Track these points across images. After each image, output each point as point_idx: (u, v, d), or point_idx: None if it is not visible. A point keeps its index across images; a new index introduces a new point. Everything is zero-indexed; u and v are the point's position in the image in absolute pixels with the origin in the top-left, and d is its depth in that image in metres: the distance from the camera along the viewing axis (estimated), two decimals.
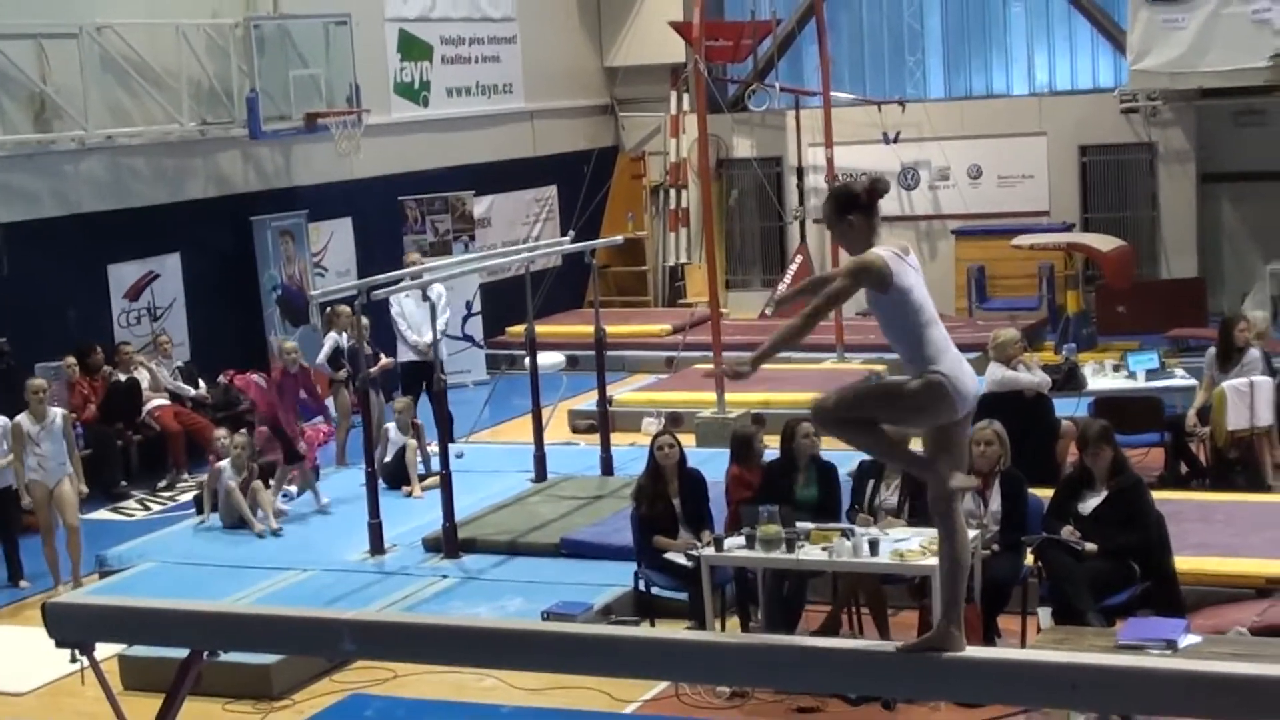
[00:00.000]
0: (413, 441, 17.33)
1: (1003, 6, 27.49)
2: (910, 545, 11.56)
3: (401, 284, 16.62)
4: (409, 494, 16.84)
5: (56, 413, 15.20)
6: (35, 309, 18.51)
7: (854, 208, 7.31)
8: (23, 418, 14.93)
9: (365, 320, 16.99)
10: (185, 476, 18.90)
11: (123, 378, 19.09)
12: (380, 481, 15.77)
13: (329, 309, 19.49)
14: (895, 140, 26.74)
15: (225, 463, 16.44)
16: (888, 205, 26.36)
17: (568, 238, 20.88)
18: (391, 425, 17.35)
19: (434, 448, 16.47)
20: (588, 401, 19.48)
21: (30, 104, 18.93)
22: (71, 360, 18.65)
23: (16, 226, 18.63)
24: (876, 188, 7.33)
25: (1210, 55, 23.74)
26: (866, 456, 12.95)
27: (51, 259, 18.84)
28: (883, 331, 7.52)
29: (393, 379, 19.93)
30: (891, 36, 28.02)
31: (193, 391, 19.93)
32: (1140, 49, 24.27)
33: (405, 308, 19.14)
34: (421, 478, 17.24)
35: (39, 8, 18.89)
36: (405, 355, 19.27)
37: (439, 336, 16.38)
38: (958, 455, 7.53)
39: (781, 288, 26.68)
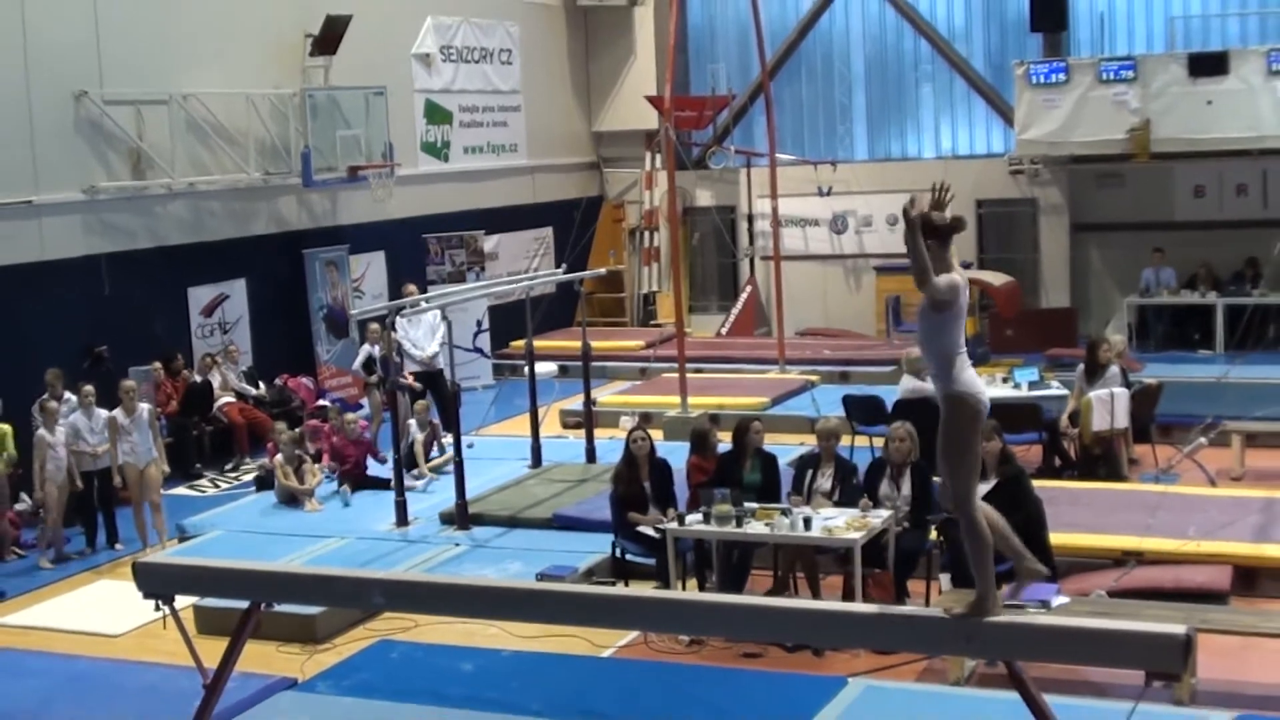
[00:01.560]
0: (419, 435, 17.25)
1: (915, 86, 27.48)
2: (837, 522, 11.58)
3: (406, 310, 16.71)
4: (417, 475, 16.63)
5: (144, 407, 15.20)
6: (129, 323, 18.46)
7: (933, 236, 7.15)
8: (117, 412, 14.94)
9: (396, 334, 16.99)
10: (247, 461, 18.84)
11: (199, 379, 19.07)
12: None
13: (365, 325, 19.53)
14: (828, 193, 26.79)
15: (280, 455, 16.43)
16: (821, 245, 26.68)
17: (561, 269, 20.84)
18: (413, 422, 17.28)
19: (447, 440, 16.44)
20: (576, 403, 19.44)
21: (129, 157, 18.89)
22: (159, 365, 18.61)
23: (116, 256, 18.61)
24: (956, 224, 7.19)
25: (1080, 129, 23.81)
26: (807, 449, 12.99)
27: (143, 282, 18.80)
28: (921, 344, 7.35)
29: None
30: (826, 109, 28.01)
31: (254, 391, 19.87)
32: (1025, 123, 24.32)
33: (407, 329, 19.03)
34: (430, 461, 17.24)
35: (137, 79, 18.81)
36: (410, 366, 19.15)
37: (437, 351, 16.60)
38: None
39: (732, 315, 26.76)
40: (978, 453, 7.28)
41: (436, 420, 17.88)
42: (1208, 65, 23.03)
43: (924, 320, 7.20)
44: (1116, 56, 24.19)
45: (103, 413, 15.12)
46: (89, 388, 15.46)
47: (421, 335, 19.15)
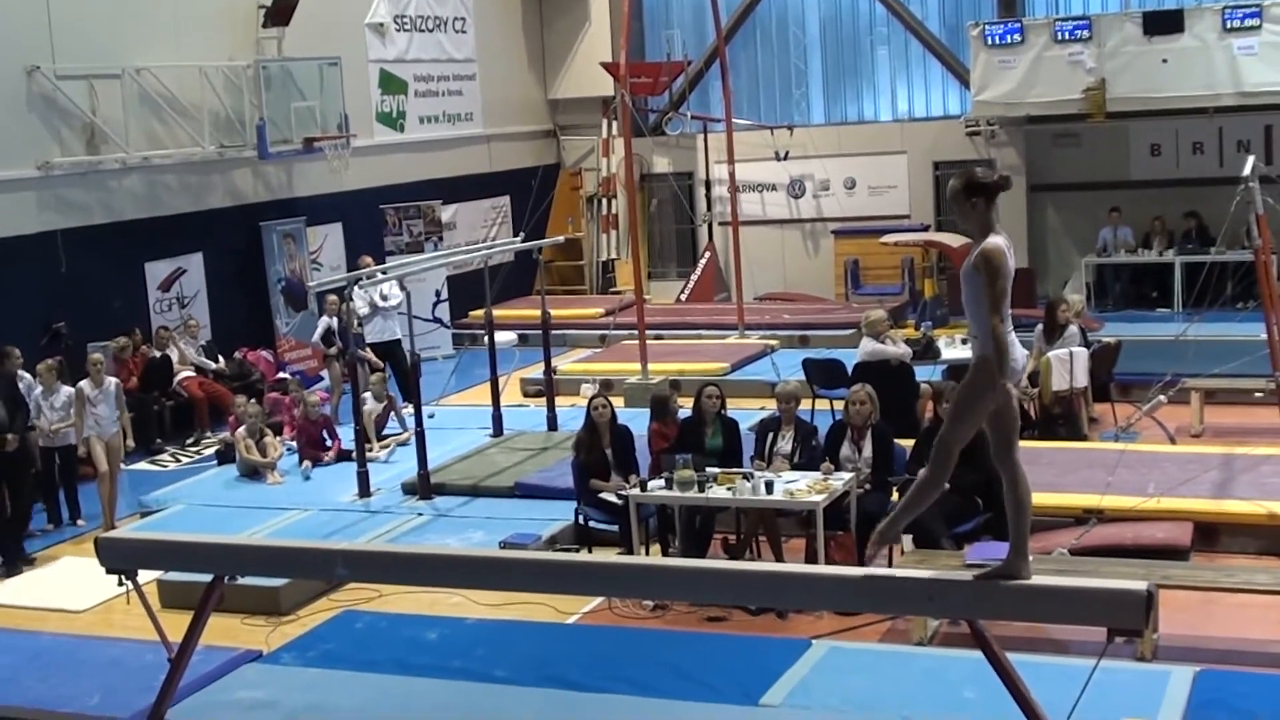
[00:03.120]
0: (377, 407, 17.17)
1: (871, 49, 27.45)
2: (799, 486, 11.63)
3: (364, 281, 16.60)
4: (369, 449, 16.30)
5: (111, 381, 15.13)
6: (87, 299, 18.39)
7: (980, 193, 6.97)
8: (84, 384, 14.85)
9: (356, 304, 16.93)
10: (208, 435, 18.76)
11: (158, 354, 18.99)
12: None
13: (323, 297, 19.49)
14: (785, 158, 26.75)
15: (243, 429, 16.38)
16: (779, 209, 26.69)
17: (519, 238, 20.79)
18: (369, 394, 17.18)
19: (408, 410, 16.41)
20: (536, 371, 19.46)
21: (83, 132, 18.78)
22: (125, 340, 18.49)
23: (72, 232, 18.52)
24: (1002, 182, 7.02)
25: (1035, 89, 23.85)
26: (767, 413, 13.00)
27: (100, 258, 18.73)
28: (964, 304, 7.26)
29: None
30: (781, 74, 27.97)
31: (213, 365, 19.79)
32: (981, 84, 24.35)
33: (359, 301, 18.90)
34: (384, 438, 17.18)
35: (90, 54, 18.70)
36: (370, 337, 19.07)
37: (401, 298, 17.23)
38: (1012, 417, 7.32)
39: (691, 282, 26.77)
40: (983, 417, 7.32)
41: (394, 393, 17.83)
42: (1163, 24, 23.07)
43: (965, 280, 7.13)
44: (1071, 16, 24.25)
45: (69, 388, 15.03)
46: (51, 363, 15.38)
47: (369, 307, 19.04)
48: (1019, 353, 7.21)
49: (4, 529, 14.16)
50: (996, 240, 6.96)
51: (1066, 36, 23.55)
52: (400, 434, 17.10)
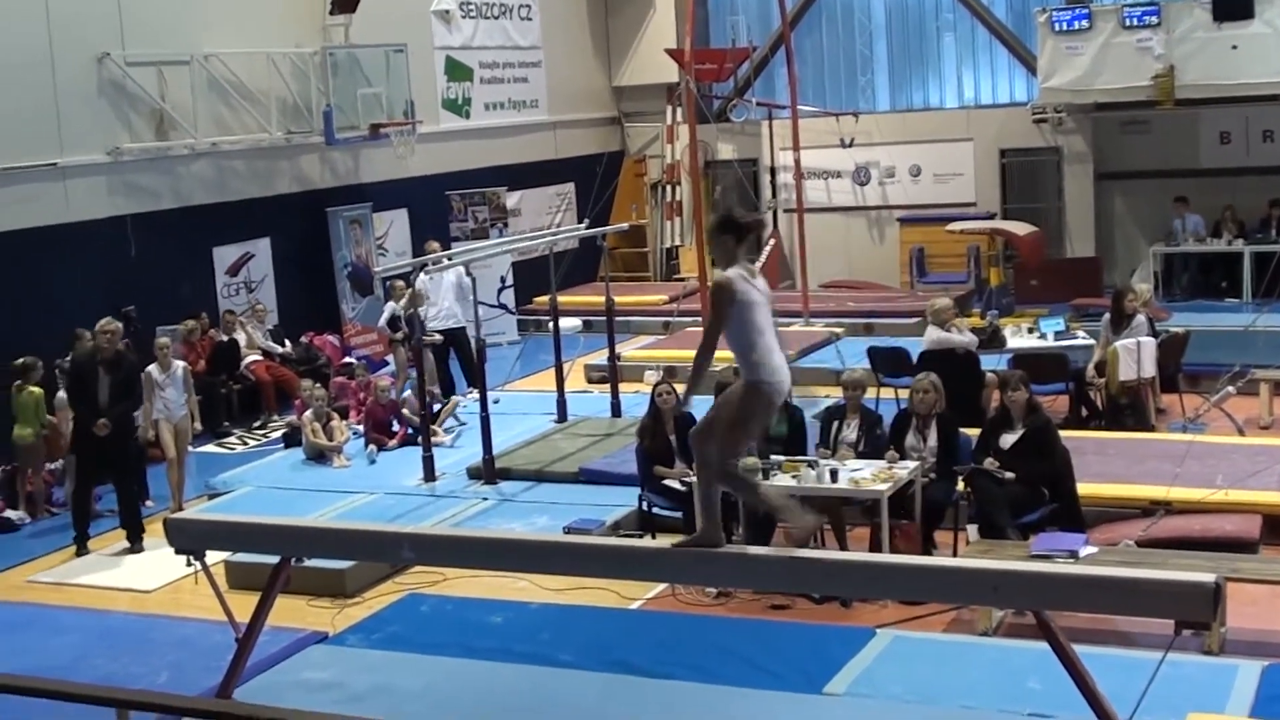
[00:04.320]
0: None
1: (937, 36, 27.35)
2: (864, 474, 11.60)
3: (429, 266, 16.56)
4: (434, 434, 16.22)
5: (178, 364, 15.15)
6: (156, 283, 18.54)
7: (730, 231, 7.58)
8: (152, 368, 14.89)
9: (421, 289, 16.97)
10: (275, 418, 18.88)
11: (225, 338, 19.13)
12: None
13: (389, 282, 19.57)
14: (850, 145, 26.66)
15: (309, 413, 16.47)
16: (844, 196, 26.61)
17: (583, 225, 20.83)
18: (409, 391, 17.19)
19: (474, 396, 16.45)
20: (600, 357, 19.49)
21: (152, 118, 18.94)
22: (192, 324, 18.63)
23: (142, 217, 18.68)
24: (753, 226, 7.64)
25: (1103, 76, 23.64)
26: (833, 401, 13.02)
27: (168, 243, 18.88)
28: (724, 336, 7.76)
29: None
30: (847, 60, 27.89)
31: (280, 349, 19.93)
32: (1048, 71, 24.17)
33: (428, 286, 18.89)
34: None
35: (159, 41, 18.87)
36: (437, 323, 19.08)
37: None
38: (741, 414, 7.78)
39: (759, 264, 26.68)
40: (755, 433, 8.11)
41: (458, 378, 17.86)
42: (1232, 9, 22.78)
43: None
44: (1140, 2, 23.95)
45: None
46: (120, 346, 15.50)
47: (439, 292, 19.02)
48: (782, 374, 7.74)
49: (78, 511, 14.27)
50: (728, 273, 7.62)
51: (1135, 22, 23.33)
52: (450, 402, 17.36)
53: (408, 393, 17.26)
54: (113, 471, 14.40)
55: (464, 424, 17.17)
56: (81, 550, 14.07)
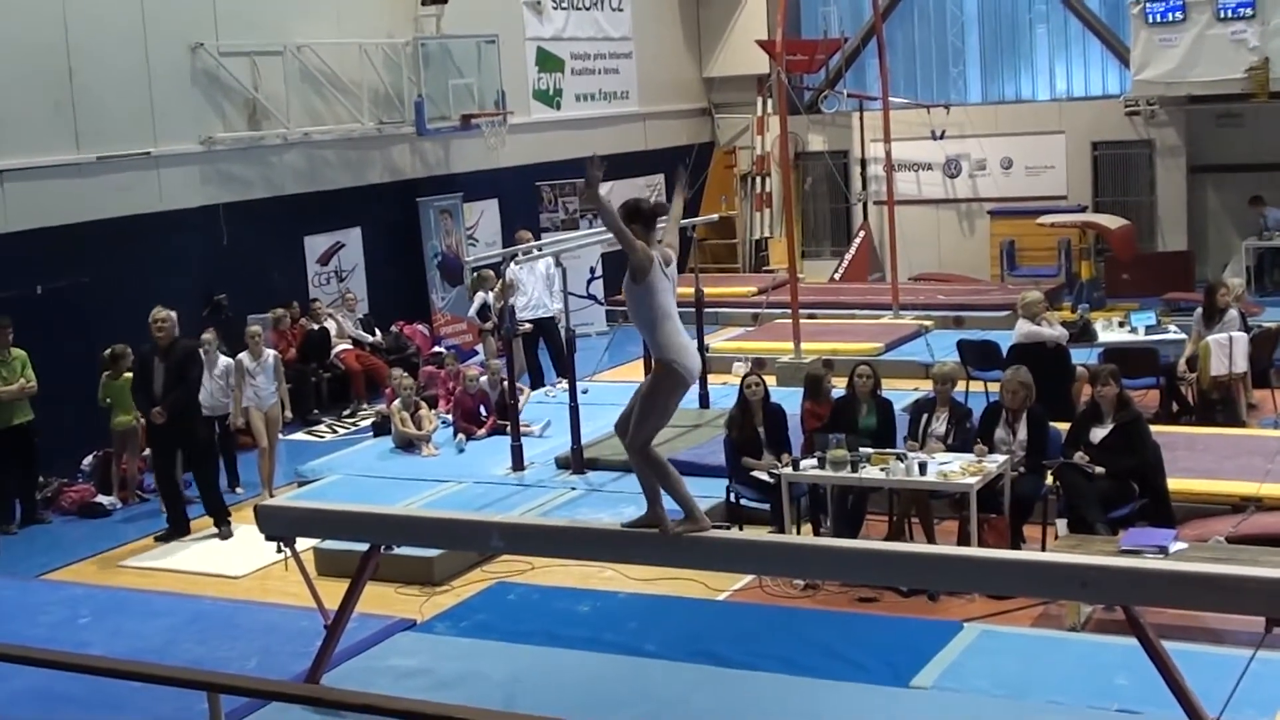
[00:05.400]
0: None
1: (1029, 27, 27.17)
2: (952, 467, 11.55)
3: (520, 257, 16.60)
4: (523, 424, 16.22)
5: (269, 353, 15.31)
6: (247, 271, 18.74)
7: (637, 219, 7.84)
8: (243, 356, 15.05)
9: (512, 279, 17.02)
10: (364, 407, 19.02)
11: (316, 327, 19.28)
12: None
13: (478, 272, 19.65)
14: (941, 137, 26.55)
15: (398, 401, 16.55)
16: (934, 189, 26.50)
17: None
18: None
19: (563, 385, 16.50)
20: None
21: (245, 108, 19.14)
22: (282, 312, 18.82)
23: (234, 206, 18.87)
24: (657, 209, 8.01)
25: (1198, 68, 23.43)
26: (922, 394, 12.97)
27: (260, 231, 19.07)
28: (629, 316, 8.07)
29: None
30: (939, 51, 27.77)
31: (370, 338, 20.08)
32: (1141, 63, 23.98)
33: (519, 275, 18.95)
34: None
35: (252, 31, 19.04)
36: (527, 313, 19.08)
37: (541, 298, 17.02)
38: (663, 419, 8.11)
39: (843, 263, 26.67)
40: (669, 413, 8.10)
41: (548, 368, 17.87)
42: None
43: (627, 293, 7.97)
44: None
45: (227, 360, 15.27)
46: (208, 335, 15.67)
47: (533, 282, 19.06)
48: (690, 354, 8.01)
49: (171, 496, 14.44)
50: (649, 250, 7.86)
51: (1229, 14, 23.09)
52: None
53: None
54: (185, 458, 14.62)
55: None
56: (181, 532, 14.27)
